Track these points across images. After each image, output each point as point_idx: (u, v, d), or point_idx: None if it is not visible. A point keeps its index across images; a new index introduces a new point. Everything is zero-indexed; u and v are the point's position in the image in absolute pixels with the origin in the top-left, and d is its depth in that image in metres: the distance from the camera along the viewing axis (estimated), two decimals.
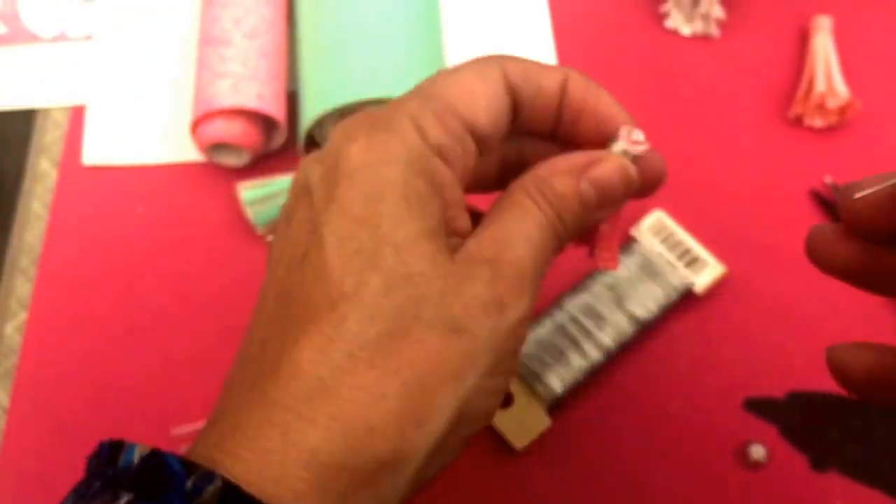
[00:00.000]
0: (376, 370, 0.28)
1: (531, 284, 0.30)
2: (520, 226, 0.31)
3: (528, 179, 0.32)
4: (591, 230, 0.36)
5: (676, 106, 0.62)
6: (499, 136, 0.33)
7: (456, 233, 0.31)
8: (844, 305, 0.55)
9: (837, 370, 0.32)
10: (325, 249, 0.29)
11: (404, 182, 0.29)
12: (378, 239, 0.29)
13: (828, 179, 0.59)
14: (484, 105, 0.32)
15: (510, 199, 0.32)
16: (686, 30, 0.64)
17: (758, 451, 0.50)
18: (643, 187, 0.34)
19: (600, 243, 0.36)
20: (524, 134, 0.35)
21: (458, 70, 0.32)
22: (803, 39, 0.63)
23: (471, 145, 0.31)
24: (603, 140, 0.34)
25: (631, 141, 0.33)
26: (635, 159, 0.33)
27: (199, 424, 0.49)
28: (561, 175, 0.32)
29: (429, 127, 0.30)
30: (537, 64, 0.34)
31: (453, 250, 0.30)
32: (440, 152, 0.30)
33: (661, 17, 0.65)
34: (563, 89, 0.34)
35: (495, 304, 0.29)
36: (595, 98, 0.34)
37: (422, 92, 0.32)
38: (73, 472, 0.50)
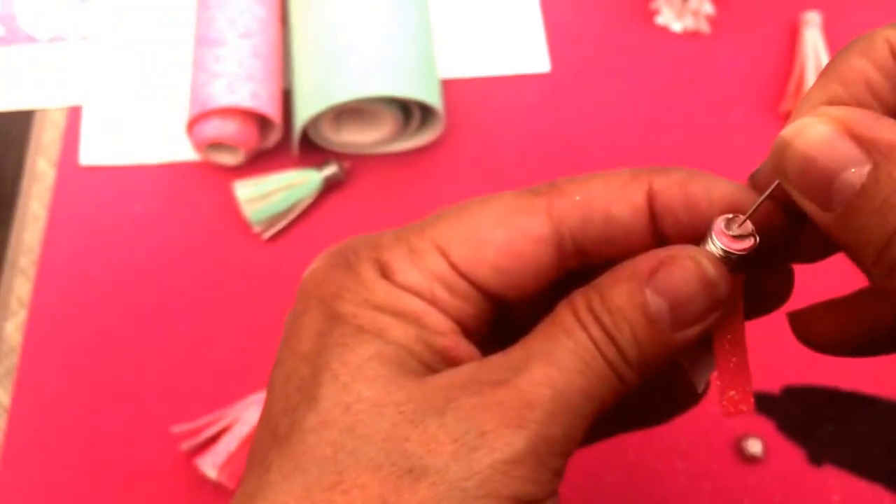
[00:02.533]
0: None
1: (543, 420, 0.23)
2: (547, 346, 0.24)
3: (579, 292, 0.25)
4: (699, 359, 0.27)
5: (667, 102, 0.62)
6: (527, 289, 0.27)
7: (456, 361, 0.26)
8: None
9: (802, 335, 0.29)
10: (270, 393, 0.26)
11: (354, 313, 0.25)
12: (319, 370, 0.24)
13: None
14: (489, 258, 0.26)
15: (550, 317, 0.25)
16: (677, 26, 0.64)
17: (754, 446, 0.50)
18: (760, 302, 0.27)
19: (721, 379, 0.26)
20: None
21: (486, 206, 0.27)
22: (793, 35, 0.63)
23: (465, 293, 0.26)
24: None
25: (723, 234, 0.24)
26: (739, 260, 0.25)
27: (199, 422, 0.50)
28: (620, 284, 0.24)
29: (395, 266, 0.26)
30: (608, 186, 0.26)
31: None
32: (408, 290, 0.26)
33: (652, 13, 0.65)
34: (651, 207, 0.26)
35: (473, 435, 0.23)
36: (704, 197, 0.26)
37: (420, 225, 0.27)
38: (74, 471, 0.50)
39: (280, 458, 0.24)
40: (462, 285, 0.26)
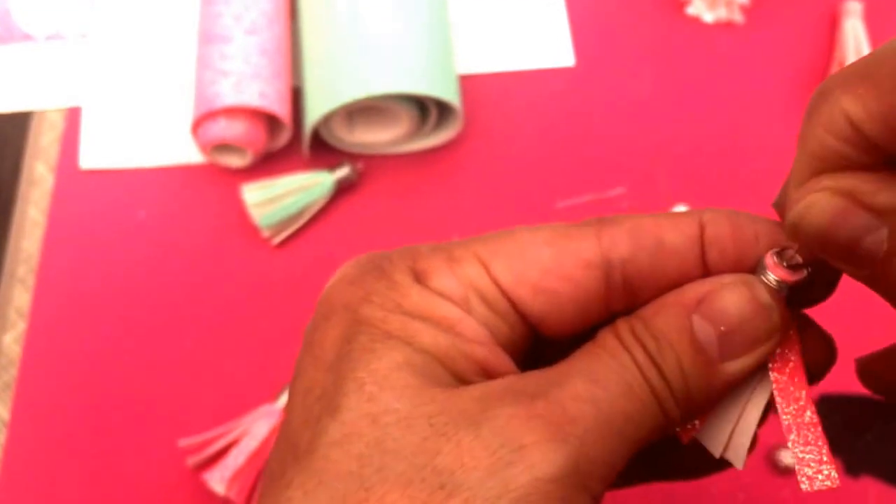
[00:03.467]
0: None
1: (586, 437, 0.22)
2: (590, 365, 0.23)
3: (622, 319, 0.25)
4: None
5: (699, 97, 0.60)
6: (568, 321, 0.26)
7: (493, 373, 0.25)
8: (875, 305, 0.53)
9: (869, 381, 0.28)
10: (290, 405, 0.25)
11: (383, 318, 0.24)
12: (342, 378, 0.23)
13: None
14: (532, 278, 0.25)
15: (592, 341, 0.25)
16: (709, 16, 0.63)
17: (788, 457, 0.49)
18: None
19: (793, 444, 0.24)
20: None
21: (534, 229, 0.26)
22: (832, 25, 0.62)
23: (502, 310, 0.26)
24: None
25: (776, 265, 0.24)
26: (789, 293, 0.24)
27: (206, 435, 0.49)
28: (665, 309, 0.24)
29: (431, 271, 0.25)
30: (657, 218, 0.26)
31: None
32: (443, 295, 0.25)
33: (682, 3, 0.63)
34: (702, 238, 0.25)
35: (510, 449, 0.22)
36: (751, 232, 0.25)
37: (464, 241, 0.26)
38: (75, 484, 0.50)
39: (301, 475, 0.22)
40: (500, 301, 0.26)
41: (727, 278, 0.24)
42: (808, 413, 0.24)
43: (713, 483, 0.49)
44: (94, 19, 0.64)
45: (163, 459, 0.50)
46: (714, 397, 0.24)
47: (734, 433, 0.25)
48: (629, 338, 0.24)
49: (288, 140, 0.57)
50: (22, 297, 0.55)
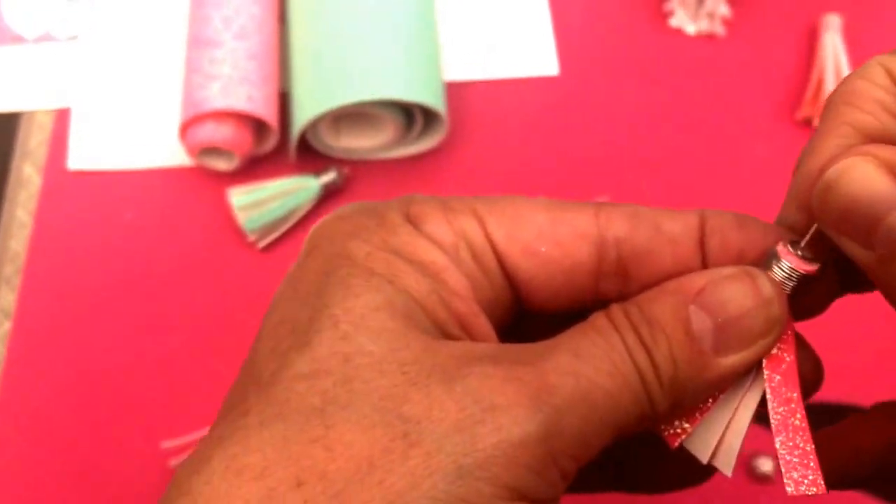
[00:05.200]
0: (264, 482, 0.20)
1: (563, 408, 0.21)
2: (577, 342, 0.22)
3: (617, 303, 0.24)
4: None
5: (680, 107, 0.61)
6: (552, 287, 0.25)
7: (470, 333, 0.24)
8: (855, 313, 0.53)
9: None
10: (259, 335, 0.24)
11: (367, 254, 0.23)
12: (317, 312, 0.22)
13: None
14: (525, 240, 0.25)
15: (584, 321, 0.23)
16: (691, 28, 0.63)
17: (765, 464, 0.49)
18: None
19: (781, 445, 0.23)
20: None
21: (534, 199, 0.26)
22: (812, 38, 0.62)
23: (490, 268, 0.25)
24: None
25: (790, 254, 0.23)
26: (797, 285, 0.23)
27: (190, 437, 0.49)
28: (663, 296, 0.23)
29: (426, 216, 0.25)
30: (656, 209, 0.25)
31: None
32: (433, 240, 0.24)
33: (665, 15, 0.63)
34: (702, 228, 0.25)
35: (482, 407, 0.21)
36: (758, 229, 0.25)
37: (462, 197, 0.26)
38: (60, 487, 0.50)
39: (261, 403, 0.21)
40: (490, 258, 0.25)
41: (729, 269, 0.23)
42: (799, 416, 0.23)
43: (688, 491, 0.49)
44: (85, 21, 0.63)
45: (146, 461, 0.50)
46: (704, 391, 0.23)
47: (724, 437, 0.24)
48: (622, 319, 0.23)
49: (275, 144, 0.57)
50: (7, 298, 0.55)
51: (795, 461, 0.23)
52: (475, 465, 0.20)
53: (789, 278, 0.23)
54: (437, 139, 0.58)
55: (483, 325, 0.24)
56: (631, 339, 0.22)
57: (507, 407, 0.21)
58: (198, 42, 0.57)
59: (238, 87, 0.55)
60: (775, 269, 0.23)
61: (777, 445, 0.23)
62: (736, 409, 0.24)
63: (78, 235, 0.56)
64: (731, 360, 0.23)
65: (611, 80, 0.61)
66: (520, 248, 0.25)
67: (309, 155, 0.57)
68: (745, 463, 0.50)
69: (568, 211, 0.25)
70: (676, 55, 0.62)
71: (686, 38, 0.63)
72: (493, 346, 0.23)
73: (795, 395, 0.23)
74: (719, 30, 0.62)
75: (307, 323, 0.22)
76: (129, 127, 0.60)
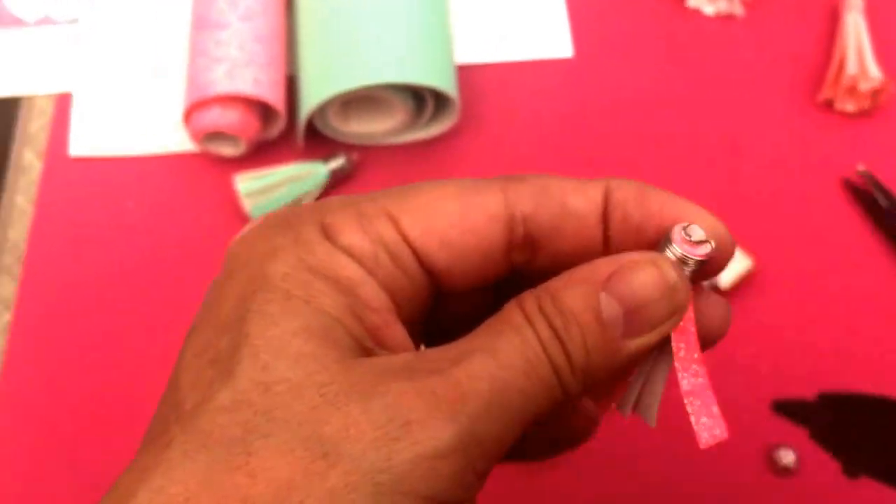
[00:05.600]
0: None
1: (478, 415, 0.22)
2: (491, 341, 0.23)
3: (529, 292, 0.24)
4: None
5: (698, 90, 0.60)
6: (472, 274, 0.26)
7: (385, 345, 0.25)
8: (879, 302, 0.53)
9: None
10: (179, 363, 0.24)
11: (284, 275, 0.24)
12: (238, 343, 0.23)
13: (861, 168, 0.56)
14: (439, 231, 0.25)
15: (497, 315, 0.24)
16: (709, 9, 0.62)
17: (787, 456, 0.49)
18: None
19: (690, 403, 0.26)
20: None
21: (442, 184, 0.26)
22: (833, 19, 0.62)
23: (409, 267, 0.26)
24: None
25: (685, 240, 0.25)
26: (698, 268, 0.25)
27: None
28: (574, 286, 0.24)
29: (340, 226, 0.25)
30: (564, 181, 0.26)
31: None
32: (350, 253, 0.25)
33: None
34: (606, 203, 0.26)
35: (397, 424, 0.21)
36: (657, 204, 0.26)
37: (371, 195, 0.26)
38: (60, 476, 0.49)
39: (184, 435, 0.22)
40: (407, 255, 0.26)
41: (636, 255, 0.24)
42: (702, 377, 0.25)
43: (709, 484, 0.49)
44: (85, 4, 0.63)
45: None
46: (614, 372, 0.24)
47: (642, 395, 0.26)
48: (535, 312, 0.24)
49: (282, 129, 0.57)
50: (8, 287, 0.54)
51: (704, 420, 0.25)
52: (393, 481, 0.21)
53: (685, 261, 0.25)
54: (448, 124, 0.57)
55: (398, 334, 0.25)
56: (545, 332, 0.23)
57: (421, 421, 0.21)
58: (203, 23, 0.56)
59: (244, 70, 0.54)
60: (671, 250, 0.25)
61: (688, 408, 0.25)
62: (649, 370, 0.26)
63: (79, 223, 0.56)
64: (639, 342, 0.24)
65: (626, 63, 0.61)
66: (435, 241, 0.26)
67: (317, 140, 0.57)
68: (766, 455, 0.49)
69: (478, 194, 0.26)
70: (694, 36, 0.62)
71: (704, 18, 0.62)
72: (408, 357, 0.23)
73: (697, 355, 0.25)
74: (738, 10, 0.62)
75: (228, 353, 0.23)
76: (131, 112, 0.59)
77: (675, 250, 0.25)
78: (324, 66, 0.54)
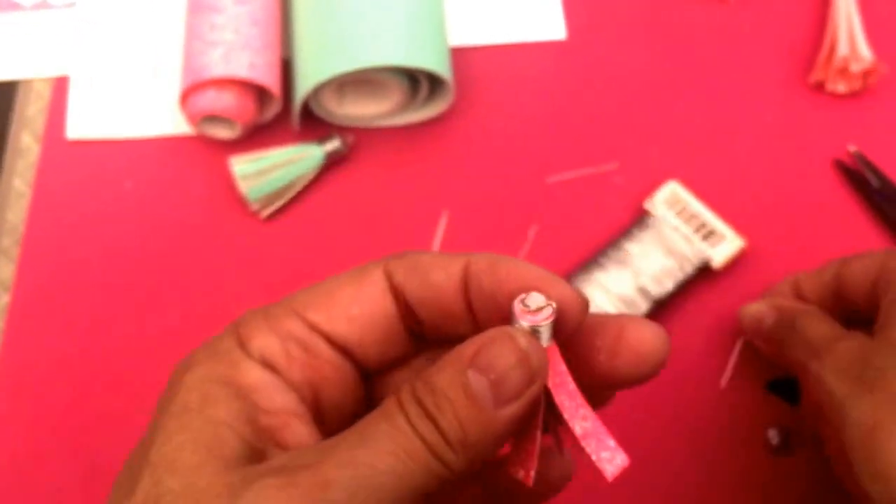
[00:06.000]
0: None
1: (342, 500, 0.23)
2: (363, 429, 0.25)
3: (409, 381, 0.26)
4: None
5: (690, 71, 0.60)
6: (383, 346, 0.29)
7: (282, 444, 0.26)
8: None
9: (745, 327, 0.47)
10: (121, 471, 0.27)
11: (189, 389, 0.26)
12: (141, 461, 0.25)
13: (852, 148, 0.56)
14: (342, 311, 0.28)
15: (379, 407, 0.26)
16: None
17: (780, 435, 0.49)
18: (632, 366, 0.27)
19: (584, 443, 0.27)
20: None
21: (337, 275, 0.29)
22: (824, 1, 0.61)
23: (323, 353, 0.28)
24: None
25: (525, 311, 0.26)
26: (551, 331, 0.26)
27: None
28: (444, 367, 0.25)
29: (251, 333, 0.27)
30: (433, 257, 0.28)
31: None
32: (263, 359, 0.27)
33: None
34: (466, 278, 0.28)
35: None
36: (504, 272, 0.27)
37: (282, 300, 0.29)
38: (59, 459, 0.49)
39: None
40: (319, 343, 0.28)
41: (494, 331, 0.25)
42: (590, 420, 0.27)
43: (704, 462, 0.49)
44: None
45: (144, 434, 0.49)
46: (496, 441, 0.25)
47: (520, 451, 0.27)
48: (407, 398, 0.25)
49: (277, 112, 0.56)
50: (6, 269, 0.54)
51: (604, 453, 0.26)
52: None
53: (535, 329, 0.26)
54: (442, 106, 0.57)
55: (299, 433, 0.27)
56: (415, 413, 0.24)
57: None
58: (198, 7, 0.56)
59: (240, 53, 0.54)
60: (520, 323, 0.26)
61: (587, 450, 0.27)
62: (527, 427, 0.27)
63: (77, 206, 0.56)
64: (512, 409, 0.25)
65: (619, 45, 0.61)
66: (342, 321, 0.28)
67: (312, 122, 0.57)
68: (760, 435, 0.49)
69: (366, 273, 0.28)
70: (686, 18, 0.61)
71: (697, 2, 0.62)
72: (287, 456, 0.25)
73: (580, 401, 0.27)
74: None
75: (136, 470, 0.25)
76: (128, 95, 0.59)
77: (519, 322, 0.26)
78: (319, 49, 0.54)
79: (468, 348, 0.25)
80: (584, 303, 0.27)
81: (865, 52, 0.56)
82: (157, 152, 0.57)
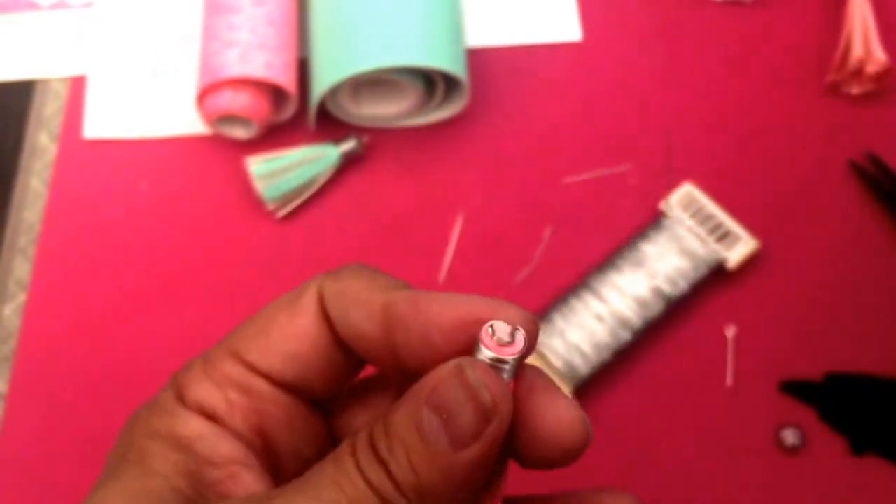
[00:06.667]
0: None
1: None
2: (309, 476, 0.23)
3: (366, 426, 0.23)
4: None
5: (706, 74, 0.60)
6: (325, 376, 0.26)
7: (228, 496, 0.25)
8: (884, 282, 0.53)
9: None
10: None
11: (129, 444, 0.25)
12: None
13: (866, 150, 0.56)
14: (277, 348, 0.26)
15: (333, 451, 0.23)
16: None
17: (793, 436, 0.49)
18: (541, 447, 0.23)
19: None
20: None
21: (274, 303, 0.27)
22: (840, 3, 0.61)
23: (265, 394, 0.26)
24: None
25: (491, 342, 0.23)
26: (514, 366, 0.23)
27: None
28: (401, 406, 0.22)
29: (189, 383, 0.26)
30: (360, 282, 0.26)
31: None
32: (201, 409, 0.26)
33: None
34: (386, 318, 0.25)
35: None
36: (443, 307, 0.24)
37: (223, 339, 0.27)
38: (73, 456, 0.49)
39: None
40: (259, 384, 0.26)
41: (449, 364, 0.22)
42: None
43: (717, 462, 0.49)
44: None
45: None
46: (458, 487, 0.22)
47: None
48: (362, 441, 0.22)
49: (294, 112, 0.57)
50: (22, 268, 0.54)
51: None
52: None
53: (496, 362, 0.23)
54: (458, 107, 0.57)
55: (245, 483, 0.25)
56: (365, 458, 0.22)
57: None
58: (216, 8, 0.56)
59: (256, 53, 0.54)
60: (482, 354, 0.23)
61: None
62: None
63: (93, 205, 0.56)
64: (471, 452, 0.22)
65: (635, 47, 0.60)
66: (277, 358, 0.26)
67: (328, 123, 0.57)
68: (774, 434, 0.49)
69: (298, 303, 0.26)
70: (703, 21, 0.61)
71: (712, 3, 0.62)
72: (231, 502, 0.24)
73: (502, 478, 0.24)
74: None
75: None
76: (145, 95, 0.59)
77: (483, 353, 0.23)
78: (335, 50, 0.54)
79: (428, 381, 0.22)
80: (537, 327, 0.24)
81: (880, 54, 0.57)
82: (174, 152, 0.57)
